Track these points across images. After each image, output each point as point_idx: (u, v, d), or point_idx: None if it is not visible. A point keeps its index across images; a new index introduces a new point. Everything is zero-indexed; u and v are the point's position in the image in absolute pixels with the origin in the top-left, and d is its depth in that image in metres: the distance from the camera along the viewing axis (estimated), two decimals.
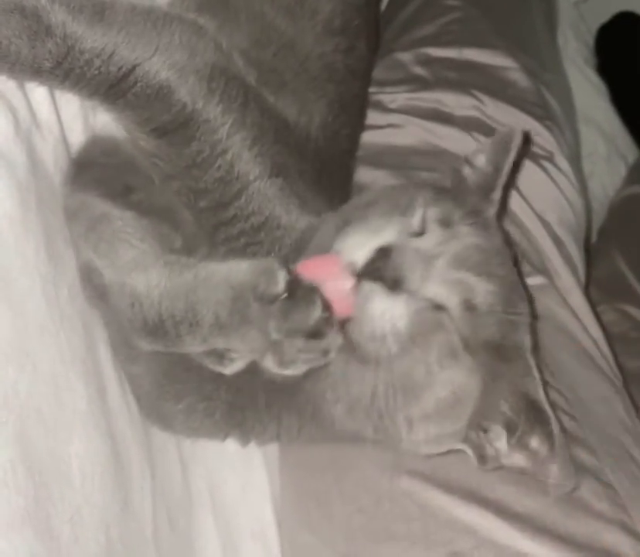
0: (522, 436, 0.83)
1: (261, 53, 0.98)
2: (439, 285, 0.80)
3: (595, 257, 1.61)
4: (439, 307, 0.79)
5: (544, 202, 1.30)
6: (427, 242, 0.82)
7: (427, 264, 0.79)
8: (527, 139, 1.00)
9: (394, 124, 1.34)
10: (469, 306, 0.80)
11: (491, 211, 0.95)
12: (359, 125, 1.23)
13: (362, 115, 1.24)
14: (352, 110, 1.14)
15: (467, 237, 0.84)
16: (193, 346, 0.80)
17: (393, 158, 1.30)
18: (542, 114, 1.42)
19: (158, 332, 0.80)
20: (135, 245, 0.84)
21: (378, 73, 1.40)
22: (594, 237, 1.73)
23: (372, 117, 1.32)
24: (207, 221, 0.87)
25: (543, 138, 1.38)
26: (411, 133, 1.33)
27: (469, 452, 0.85)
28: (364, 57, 1.19)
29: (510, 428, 0.83)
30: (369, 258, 0.78)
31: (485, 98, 1.38)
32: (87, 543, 0.78)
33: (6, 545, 0.68)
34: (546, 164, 1.35)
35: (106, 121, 0.92)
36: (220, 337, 0.77)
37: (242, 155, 0.86)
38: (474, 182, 0.97)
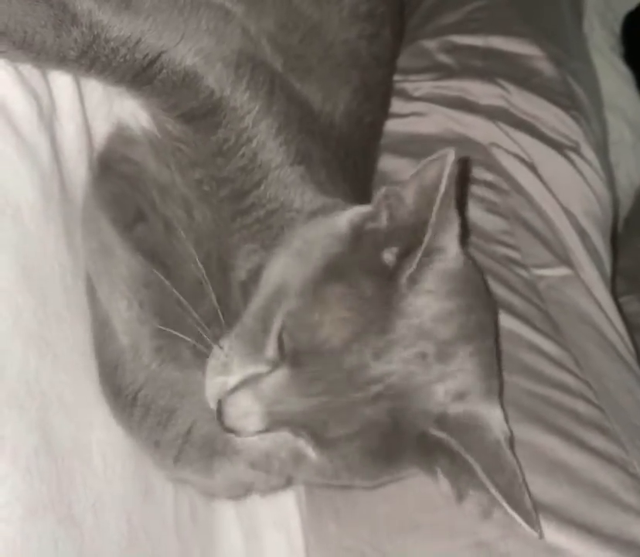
0: (459, 494, 0.81)
1: (288, 38, 0.96)
2: (283, 423, 0.77)
3: (621, 248, 1.58)
4: (297, 434, 0.78)
5: (569, 193, 1.28)
6: (273, 380, 0.76)
7: (266, 409, 0.76)
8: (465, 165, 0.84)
9: (418, 113, 1.33)
10: (322, 442, 0.77)
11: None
12: (383, 113, 1.21)
13: (385, 103, 1.23)
14: (376, 97, 1.13)
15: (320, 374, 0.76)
16: (144, 442, 0.85)
17: (416, 147, 1.28)
18: (569, 104, 1.40)
19: (125, 409, 0.83)
20: (134, 308, 0.85)
21: (402, 61, 1.38)
22: (619, 227, 1.70)
23: (396, 105, 1.31)
24: (226, 210, 0.86)
25: (569, 127, 1.36)
26: (435, 121, 1.31)
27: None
28: (389, 44, 1.17)
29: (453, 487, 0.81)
30: (213, 407, 0.79)
31: (511, 87, 1.36)
32: (109, 530, 0.78)
33: (29, 532, 0.68)
34: (572, 154, 1.33)
35: (129, 109, 0.91)
36: (173, 448, 0.83)
37: (266, 144, 0.85)
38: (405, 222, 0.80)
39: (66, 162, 0.86)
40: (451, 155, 0.75)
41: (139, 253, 0.86)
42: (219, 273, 0.86)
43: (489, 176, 1.23)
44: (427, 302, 0.77)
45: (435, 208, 0.74)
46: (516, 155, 1.27)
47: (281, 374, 0.76)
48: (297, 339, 0.75)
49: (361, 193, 1.02)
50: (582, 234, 1.25)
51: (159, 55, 0.80)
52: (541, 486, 0.87)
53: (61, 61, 0.79)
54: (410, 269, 0.76)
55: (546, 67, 1.43)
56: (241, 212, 0.86)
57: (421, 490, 0.87)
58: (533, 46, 1.44)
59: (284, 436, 0.79)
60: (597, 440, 0.93)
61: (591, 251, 1.25)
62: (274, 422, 0.77)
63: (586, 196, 1.31)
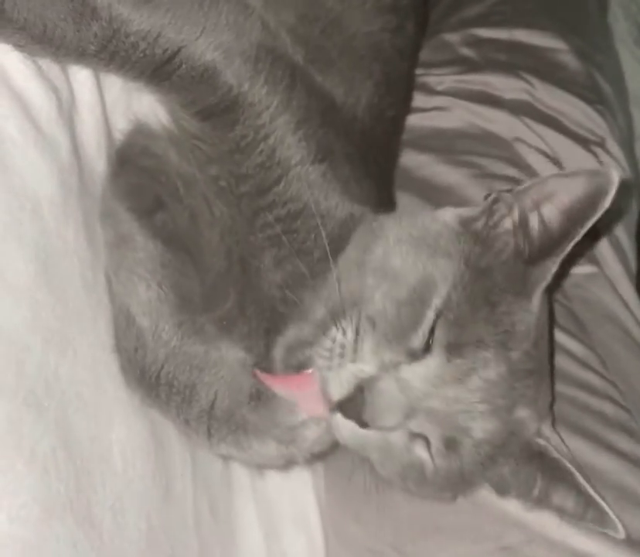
0: (539, 497, 0.83)
1: (308, 30, 0.95)
2: (421, 421, 0.76)
3: None
4: (417, 435, 0.78)
5: None
6: (422, 371, 0.75)
7: (410, 403, 0.75)
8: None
9: (440, 107, 1.32)
10: (450, 444, 0.77)
11: (535, 289, 0.80)
12: (405, 107, 1.20)
13: (408, 97, 1.21)
14: (398, 91, 1.11)
15: (477, 370, 0.76)
16: (177, 422, 0.84)
17: (438, 142, 1.27)
18: (594, 98, 1.38)
19: (151, 391, 0.83)
20: (153, 288, 0.84)
21: (424, 54, 1.37)
22: None
23: (418, 99, 1.30)
24: (247, 207, 0.85)
25: (595, 122, 1.34)
26: (458, 116, 1.30)
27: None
28: (412, 37, 1.15)
29: (525, 493, 0.83)
30: (344, 396, 0.75)
31: (535, 81, 1.35)
32: (128, 530, 0.78)
33: (47, 532, 0.67)
34: (597, 149, 1.31)
35: (148, 104, 0.90)
36: (202, 424, 0.81)
37: (284, 140, 0.84)
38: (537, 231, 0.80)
39: (85, 155, 0.86)
40: (614, 176, 0.74)
41: (158, 239, 0.86)
42: (239, 268, 0.86)
43: (513, 172, 1.22)
44: (543, 321, 0.81)
45: (583, 229, 0.75)
46: (540, 150, 1.26)
47: (433, 365, 0.75)
48: (451, 331, 0.75)
49: (384, 189, 1.01)
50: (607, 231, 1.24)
51: (179, 50, 0.79)
52: None
53: (80, 55, 0.78)
54: (544, 281, 0.79)
55: (570, 61, 1.42)
56: (263, 208, 0.85)
57: None
58: (558, 39, 1.43)
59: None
60: (624, 442, 0.92)
61: (616, 248, 1.24)
62: (408, 419, 0.76)
63: None
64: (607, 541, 0.83)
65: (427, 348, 0.75)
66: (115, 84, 0.89)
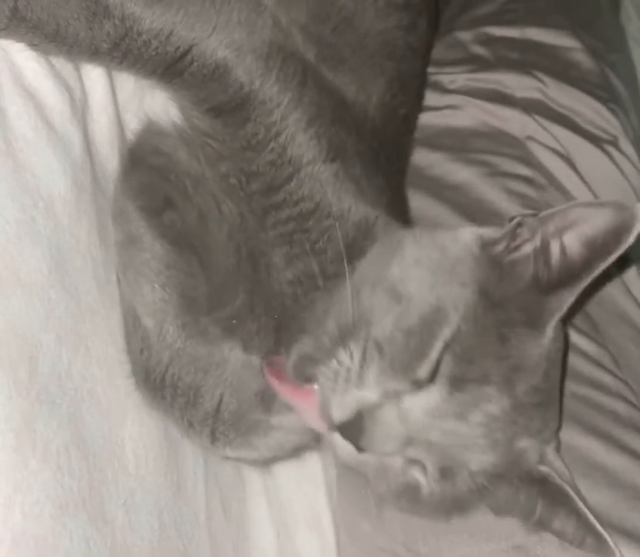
0: (540, 520, 0.82)
1: (320, 28, 0.95)
2: (419, 449, 0.76)
3: None
4: (414, 462, 0.78)
5: (607, 188, 1.26)
6: (424, 402, 0.75)
7: (409, 433, 0.74)
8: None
9: (453, 106, 1.31)
10: (446, 473, 0.77)
11: (549, 320, 0.79)
12: (417, 105, 1.20)
13: (420, 95, 1.21)
14: (411, 89, 1.11)
15: (479, 405, 0.75)
16: (180, 424, 0.84)
17: (451, 141, 1.27)
18: (607, 97, 1.38)
19: (156, 393, 0.83)
20: (157, 289, 0.84)
21: (437, 52, 1.36)
22: None
23: (431, 98, 1.29)
24: (257, 205, 0.85)
25: (607, 121, 1.34)
26: (470, 114, 1.29)
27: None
28: (424, 35, 1.15)
29: (525, 516, 0.83)
30: (345, 420, 0.75)
31: (548, 80, 1.34)
32: (141, 528, 0.78)
33: (60, 529, 0.67)
34: (610, 148, 1.31)
35: (160, 103, 0.90)
36: (206, 427, 0.82)
37: (295, 138, 0.84)
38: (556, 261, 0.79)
39: (98, 154, 0.86)
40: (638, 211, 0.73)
41: (165, 239, 0.86)
42: (248, 265, 0.86)
43: (526, 171, 1.21)
44: (554, 349, 0.80)
45: (605, 263, 0.75)
46: (553, 149, 1.25)
47: (435, 397, 0.74)
48: (457, 364, 0.74)
49: (395, 188, 1.01)
50: None
51: (190, 48, 0.80)
52: (580, 489, 0.86)
53: (93, 54, 0.78)
54: (559, 312, 0.77)
55: (583, 59, 1.41)
56: (274, 207, 0.85)
57: None
58: (570, 37, 1.42)
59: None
60: (637, 442, 0.92)
61: (630, 248, 1.23)
62: (406, 447, 0.75)
63: (623, 191, 1.29)
64: (619, 541, 0.82)
65: (431, 378, 0.75)
66: (128, 83, 0.89)
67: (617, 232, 0.73)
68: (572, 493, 0.79)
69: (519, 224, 0.80)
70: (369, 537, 0.95)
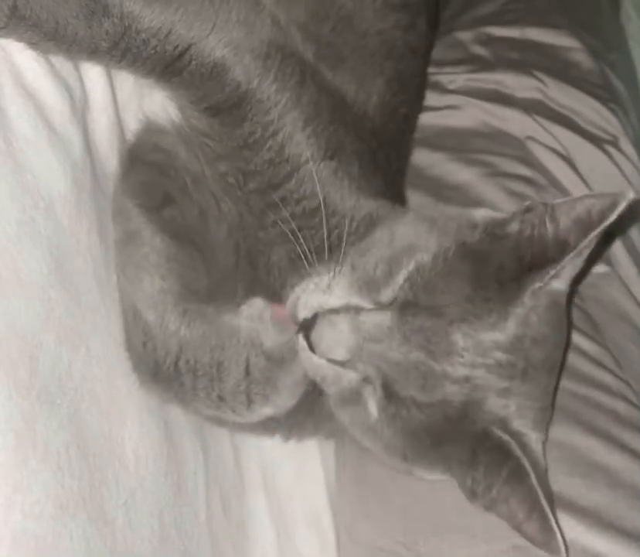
0: (496, 497, 0.82)
1: (319, 27, 0.96)
2: (367, 365, 0.79)
3: None
4: (367, 381, 0.80)
5: (607, 188, 1.25)
6: (378, 319, 0.78)
7: (357, 344, 0.78)
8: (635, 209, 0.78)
9: (453, 106, 1.31)
10: (391, 396, 0.79)
11: (528, 287, 0.79)
12: (417, 105, 1.20)
13: (420, 95, 1.21)
14: (411, 89, 1.11)
15: (425, 334, 0.77)
16: (208, 404, 0.85)
17: (451, 141, 1.27)
18: (607, 97, 1.38)
19: (172, 383, 0.83)
20: (157, 280, 0.86)
21: (437, 52, 1.36)
22: None
23: (431, 98, 1.29)
24: (256, 203, 0.86)
25: (607, 121, 1.34)
26: (470, 115, 1.29)
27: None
28: (424, 35, 1.15)
29: (483, 491, 0.82)
30: (304, 319, 0.80)
31: (548, 80, 1.34)
32: (141, 528, 0.78)
33: (60, 529, 0.67)
34: (610, 148, 1.31)
35: (159, 102, 0.90)
36: (240, 394, 0.83)
37: (293, 137, 0.84)
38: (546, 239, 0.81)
39: (98, 154, 0.86)
40: (628, 195, 0.76)
41: (166, 233, 0.87)
42: (247, 263, 0.87)
43: (526, 171, 1.21)
44: (536, 321, 0.80)
45: (587, 239, 0.77)
46: (553, 149, 1.25)
47: (389, 317, 0.77)
48: (416, 294, 0.78)
49: (394, 188, 1.01)
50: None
51: (189, 46, 0.80)
52: (580, 489, 0.86)
53: (93, 52, 0.79)
54: (539, 283, 0.78)
55: (583, 59, 1.41)
56: (272, 205, 0.85)
57: (456, 492, 0.85)
58: (570, 37, 1.43)
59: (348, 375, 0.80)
60: (637, 441, 0.91)
61: (629, 249, 1.23)
62: (357, 360, 0.78)
63: None
64: (619, 541, 0.82)
65: (391, 304, 0.78)
66: (127, 83, 0.90)
67: (606, 211, 0.76)
68: (530, 469, 0.77)
69: (528, 209, 0.82)
70: (369, 536, 0.95)
